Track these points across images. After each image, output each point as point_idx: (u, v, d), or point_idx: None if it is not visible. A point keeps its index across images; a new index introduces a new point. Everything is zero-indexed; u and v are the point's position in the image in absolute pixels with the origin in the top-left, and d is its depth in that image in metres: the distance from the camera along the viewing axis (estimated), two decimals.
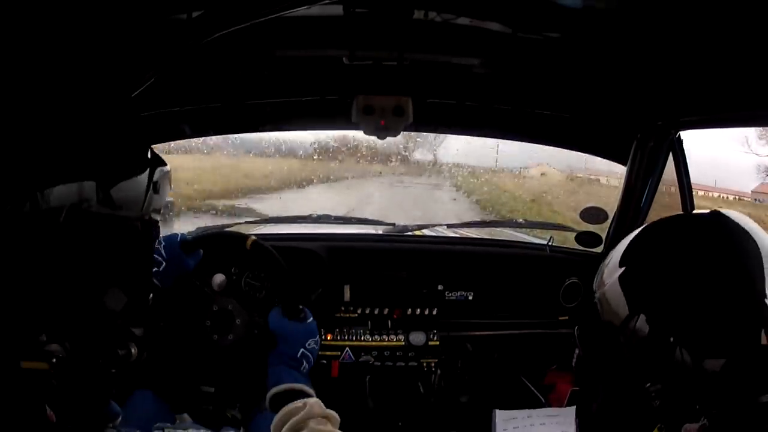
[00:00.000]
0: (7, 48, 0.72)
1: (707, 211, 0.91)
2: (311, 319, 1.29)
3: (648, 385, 0.86)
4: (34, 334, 0.58)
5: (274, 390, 1.11)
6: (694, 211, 1.02)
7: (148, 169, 0.73)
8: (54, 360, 0.57)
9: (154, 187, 0.74)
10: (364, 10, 0.96)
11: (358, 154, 3.71)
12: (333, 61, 1.20)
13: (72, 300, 0.60)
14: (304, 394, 1.08)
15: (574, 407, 1.45)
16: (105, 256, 0.64)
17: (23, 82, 0.62)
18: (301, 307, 1.29)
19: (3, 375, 0.55)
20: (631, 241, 0.98)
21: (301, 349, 1.21)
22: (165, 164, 0.81)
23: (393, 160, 4.02)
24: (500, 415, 1.48)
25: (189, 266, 1.43)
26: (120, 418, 0.77)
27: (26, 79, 0.63)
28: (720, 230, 0.86)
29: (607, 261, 1.01)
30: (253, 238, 1.43)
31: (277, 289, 1.62)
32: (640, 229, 0.98)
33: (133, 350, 0.70)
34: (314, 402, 1.00)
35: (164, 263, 1.36)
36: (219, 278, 1.64)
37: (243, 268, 1.67)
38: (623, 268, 0.93)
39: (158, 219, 0.79)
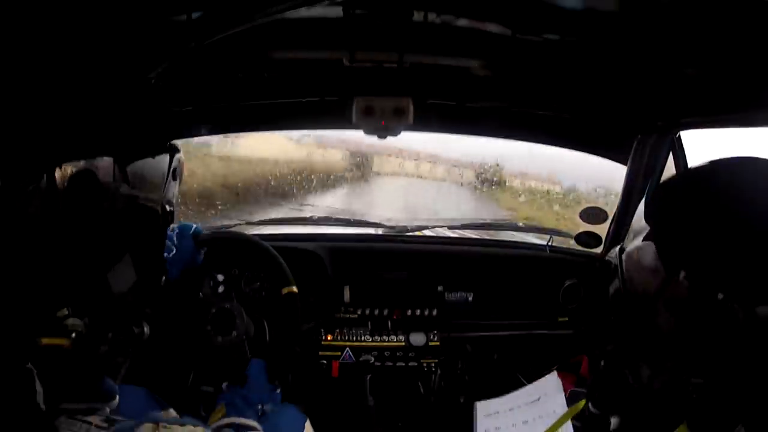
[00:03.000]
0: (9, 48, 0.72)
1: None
2: (279, 391, 1.36)
3: (688, 377, 0.77)
4: (53, 309, 0.58)
5: (229, 419, 1.15)
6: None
7: (168, 155, 0.73)
8: (73, 335, 0.57)
9: (173, 174, 0.75)
10: (363, 12, 0.96)
11: None
12: (333, 62, 1.20)
13: (89, 276, 0.61)
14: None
15: (555, 377, 1.42)
16: (125, 235, 0.65)
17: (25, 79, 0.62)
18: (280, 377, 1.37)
19: (20, 352, 0.55)
20: (659, 192, 0.88)
21: (260, 405, 1.27)
22: (179, 152, 0.82)
23: None
24: (481, 410, 1.47)
25: (198, 260, 1.44)
26: (117, 399, 0.77)
27: (27, 74, 0.63)
28: None
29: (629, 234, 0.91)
30: (293, 290, 1.43)
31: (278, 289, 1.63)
32: (663, 182, 0.91)
33: (146, 329, 0.70)
34: None
35: (174, 250, 1.37)
36: (219, 278, 1.64)
37: (243, 269, 1.67)
38: (647, 230, 0.82)
39: (173, 208, 0.80)
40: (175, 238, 1.39)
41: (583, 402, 0.94)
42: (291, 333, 1.38)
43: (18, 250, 0.55)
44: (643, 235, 0.82)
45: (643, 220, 0.85)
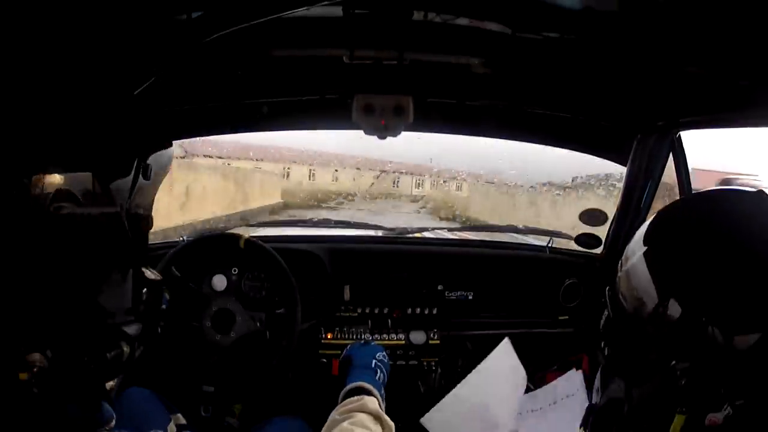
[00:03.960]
0: (13, 46, 0.72)
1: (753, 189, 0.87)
2: (374, 343, 1.40)
3: (674, 362, 0.82)
4: (14, 344, 0.55)
5: (346, 387, 1.17)
6: (737, 187, 0.95)
7: (136, 160, 0.70)
8: (35, 369, 0.55)
9: (144, 173, 0.71)
10: (363, 11, 0.96)
11: None
12: (333, 60, 1.20)
13: (54, 304, 0.58)
14: (371, 394, 1.14)
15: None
16: (89, 254, 0.61)
17: (25, 78, 0.61)
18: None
19: None
20: (659, 218, 0.91)
21: (373, 360, 1.29)
22: (167, 147, 0.78)
23: None
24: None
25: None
26: (114, 422, 0.76)
27: (28, 74, 0.62)
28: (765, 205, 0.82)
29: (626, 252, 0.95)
30: (246, 236, 1.43)
31: (277, 287, 1.63)
32: (666, 207, 0.94)
33: (125, 349, 0.67)
34: (370, 399, 1.05)
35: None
36: (219, 279, 1.64)
37: (243, 269, 1.67)
38: (645, 249, 0.86)
39: (150, 213, 0.76)
40: None
41: None
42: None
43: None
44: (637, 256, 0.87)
45: (637, 244, 0.89)
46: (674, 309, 0.79)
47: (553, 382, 1.64)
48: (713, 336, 0.76)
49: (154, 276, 1.06)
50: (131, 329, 0.67)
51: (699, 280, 0.79)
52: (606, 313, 0.97)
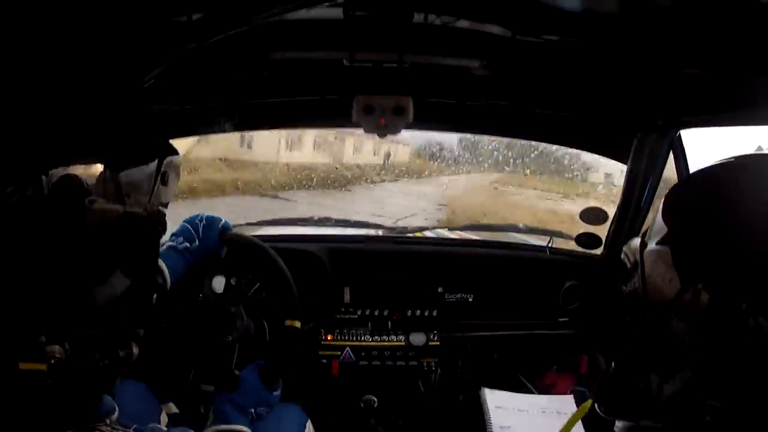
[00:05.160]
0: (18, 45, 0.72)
1: None
2: (279, 392, 1.33)
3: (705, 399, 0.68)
4: (33, 335, 0.57)
5: (216, 428, 1.17)
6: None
7: (157, 159, 0.70)
8: (52, 361, 0.56)
9: (162, 178, 0.72)
10: (363, 14, 0.96)
11: None
12: (333, 62, 1.20)
13: (73, 298, 0.59)
14: None
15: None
16: (107, 250, 0.62)
17: (30, 75, 0.61)
18: (279, 379, 1.34)
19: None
20: (676, 191, 0.80)
21: (251, 409, 1.26)
22: (176, 153, 0.79)
23: None
24: (490, 399, 1.47)
25: (221, 254, 1.43)
26: (116, 414, 0.76)
27: (32, 72, 0.62)
28: None
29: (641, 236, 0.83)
30: (296, 324, 1.40)
31: (277, 289, 1.63)
32: (681, 181, 0.83)
33: (134, 350, 0.68)
34: None
35: (197, 241, 1.36)
36: (218, 280, 1.64)
37: (243, 270, 1.67)
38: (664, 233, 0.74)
39: (165, 212, 0.77)
40: (200, 229, 1.37)
41: (589, 402, 0.92)
42: (283, 363, 1.37)
43: None
44: (662, 235, 0.75)
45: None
46: (701, 296, 0.67)
47: (547, 397, 1.63)
48: (759, 324, 0.63)
49: (162, 282, 1.06)
50: (141, 331, 0.68)
51: (728, 259, 0.67)
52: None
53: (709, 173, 0.76)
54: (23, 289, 0.57)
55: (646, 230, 0.81)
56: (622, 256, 0.85)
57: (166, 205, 0.74)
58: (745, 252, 0.66)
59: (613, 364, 0.85)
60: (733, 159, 0.76)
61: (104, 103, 0.63)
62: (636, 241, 0.82)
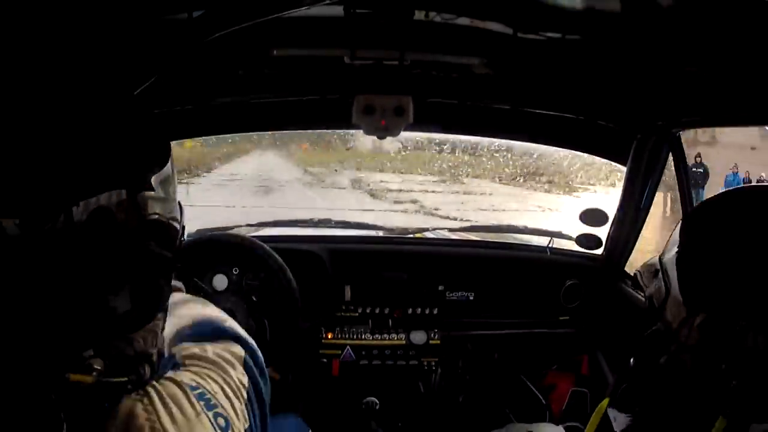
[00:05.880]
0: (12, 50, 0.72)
1: None
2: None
3: (723, 366, 0.71)
4: (79, 349, 0.59)
5: None
6: None
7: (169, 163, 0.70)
8: (94, 373, 0.58)
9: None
10: (365, 11, 0.96)
11: None
12: (334, 60, 1.20)
13: (112, 316, 0.61)
14: None
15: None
16: (148, 265, 0.63)
17: (33, 85, 0.61)
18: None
19: (48, 387, 0.57)
20: (696, 211, 0.83)
21: None
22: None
23: None
24: None
25: None
26: None
27: (35, 81, 0.62)
28: None
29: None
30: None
31: (278, 287, 1.63)
32: (706, 200, 0.88)
33: (147, 370, 0.69)
34: None
35: None
36: (220, 278, 1.64)
37: (244, 269, 1.67)
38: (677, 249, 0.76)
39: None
40: None
41: (606, 401, 0.92)
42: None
43: (40, 292, 0.56)
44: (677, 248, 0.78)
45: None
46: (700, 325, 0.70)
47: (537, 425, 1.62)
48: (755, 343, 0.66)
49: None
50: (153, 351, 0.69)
51: (740, 275, 0.69)
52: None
53: (734, 196, 0.78)
54: (68, 308, 0.58)
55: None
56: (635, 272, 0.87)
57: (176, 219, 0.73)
58: (756, 271, 0.68)
59: (631, 362, 0.86)
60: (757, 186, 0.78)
61: (103, 115, 0.63)
62: (654, 259, 0.84)
